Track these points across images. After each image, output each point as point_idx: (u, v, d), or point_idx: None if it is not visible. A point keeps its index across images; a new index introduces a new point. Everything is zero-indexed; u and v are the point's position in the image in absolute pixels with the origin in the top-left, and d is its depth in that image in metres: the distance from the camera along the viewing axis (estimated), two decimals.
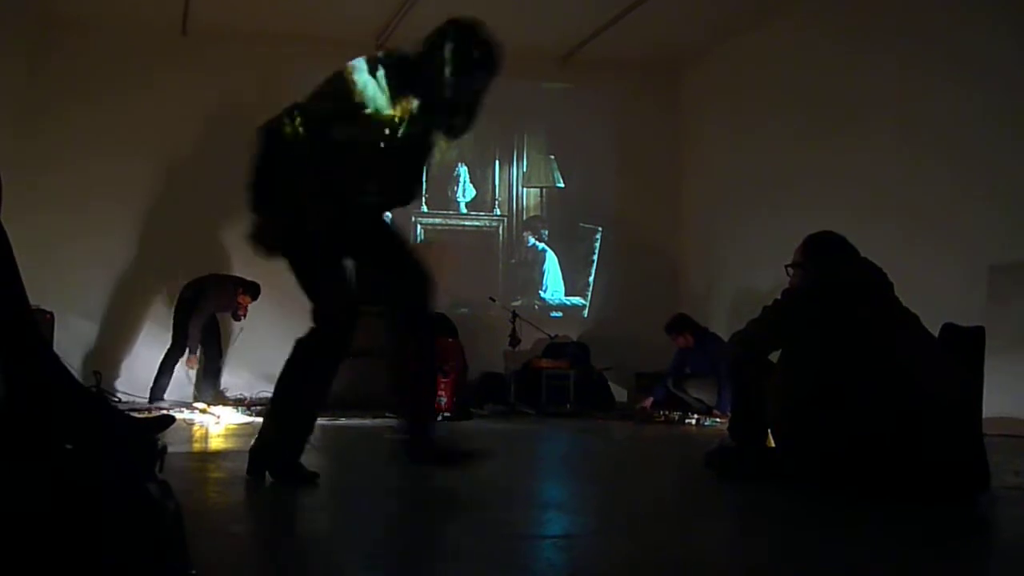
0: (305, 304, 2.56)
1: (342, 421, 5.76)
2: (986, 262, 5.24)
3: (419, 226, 8.47)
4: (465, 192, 8.68)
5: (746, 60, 7.81)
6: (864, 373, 2.54)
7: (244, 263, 7.52)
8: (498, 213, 8.74)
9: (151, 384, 6.65)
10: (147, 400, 6.53)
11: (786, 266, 2.97)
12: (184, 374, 6.81)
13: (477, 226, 8.70)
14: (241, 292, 6.69)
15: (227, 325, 7.13)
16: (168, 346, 6.71)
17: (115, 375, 7.15)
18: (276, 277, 7.54)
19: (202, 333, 6.70)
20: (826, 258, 2.84)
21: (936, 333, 2.79)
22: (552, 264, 8.77)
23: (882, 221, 5.88)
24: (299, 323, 2.52)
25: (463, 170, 8.67)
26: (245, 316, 6.85)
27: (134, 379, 7.15)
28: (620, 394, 7.96)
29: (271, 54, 7.85)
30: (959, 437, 2.49)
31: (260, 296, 6.89)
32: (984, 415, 2.64)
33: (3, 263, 1.49)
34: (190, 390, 6.84)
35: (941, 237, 5.55)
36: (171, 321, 6.80)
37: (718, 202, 8.23)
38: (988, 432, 2.64)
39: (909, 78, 5.96)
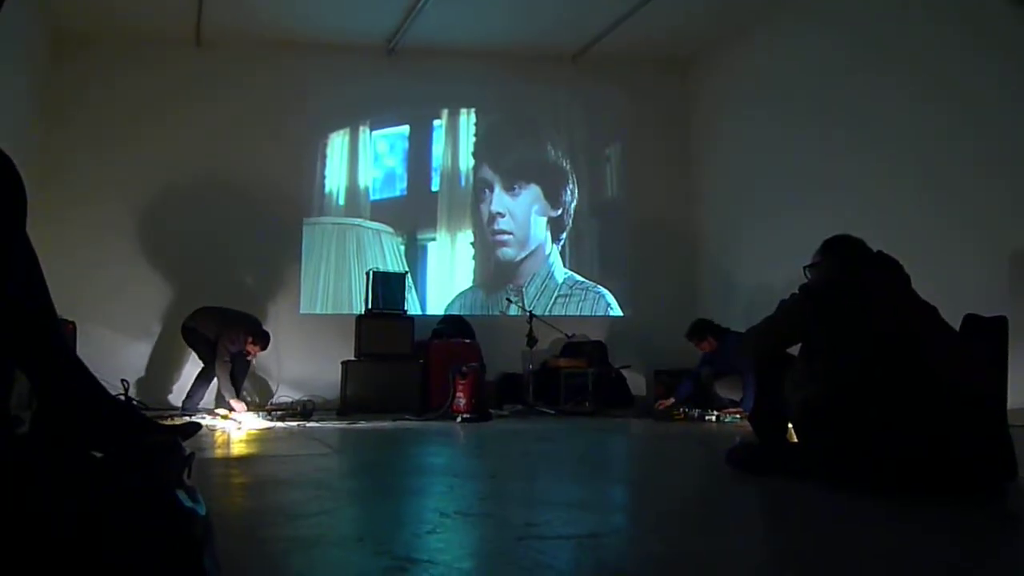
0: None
1: (361, 424, 5.80)
2: (1008, 250, 5.18)
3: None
4: None
5: (758, 55, 7.76)
6: (884, 366, 2.52)
7: (260, 281, 7.57)
8: None
9: (184, 396, 6.80)
10: (180, 409, 6.67)
11: (804, 267, 2.96)
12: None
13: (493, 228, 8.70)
14: (251, 341, 6.69)
15: None
16: (202, 367, 6.80)
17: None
18: (282, 287, 7.57)
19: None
20: (844, 257, 2.82)
21: (958, 323, 2.77)
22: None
23: (901, 211, 5.84)
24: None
25: None
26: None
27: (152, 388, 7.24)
28: (639, 391, 7.95)
29: (284, 62, 7.91)
30: (983, 428, 2.46)
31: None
32: (1008, 406, 2.61)
33: (29, 272, 1.51)
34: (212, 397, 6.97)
35: (962, 226, 5.50)
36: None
37: (732, 198, 8.19)
38: (1013, 423, 2.61)
39: (927, 63, 5.90)
